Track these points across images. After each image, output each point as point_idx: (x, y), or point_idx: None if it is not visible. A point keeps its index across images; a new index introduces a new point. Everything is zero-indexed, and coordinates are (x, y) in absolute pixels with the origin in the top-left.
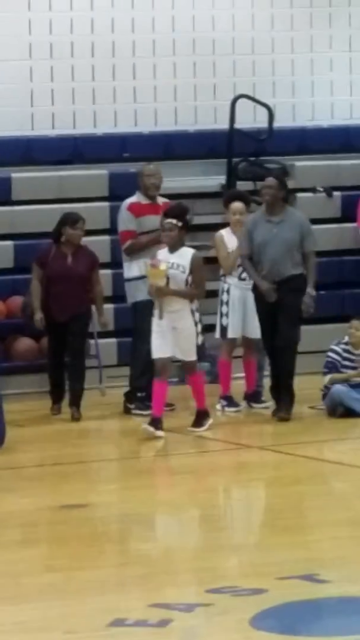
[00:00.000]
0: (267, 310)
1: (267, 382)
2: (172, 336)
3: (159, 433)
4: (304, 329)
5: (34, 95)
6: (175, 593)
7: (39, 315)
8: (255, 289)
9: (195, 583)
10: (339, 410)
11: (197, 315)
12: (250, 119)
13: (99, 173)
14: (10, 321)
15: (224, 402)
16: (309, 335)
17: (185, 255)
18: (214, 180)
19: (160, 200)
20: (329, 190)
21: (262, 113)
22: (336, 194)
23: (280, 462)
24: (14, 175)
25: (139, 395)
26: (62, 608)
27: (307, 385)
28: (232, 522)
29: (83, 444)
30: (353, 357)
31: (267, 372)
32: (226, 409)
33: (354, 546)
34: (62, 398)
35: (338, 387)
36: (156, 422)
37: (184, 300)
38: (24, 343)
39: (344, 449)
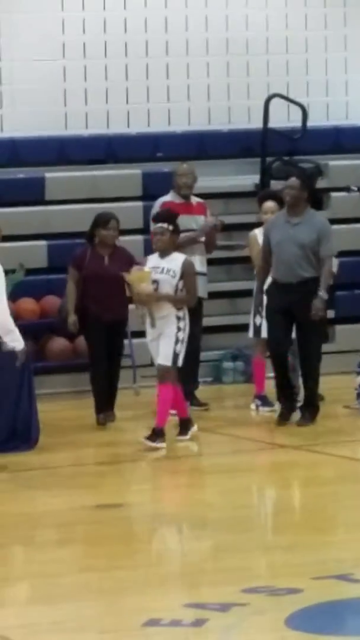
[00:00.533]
0: (279, 312)
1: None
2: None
3: (160, 444)
4: (338, 328)
5: (67, 94)
6: (211, 593)
7: (72, 318)
8: (269, 289)
9: (231, 583)
10: None
11: (182, 322)
12: (284, 118)
13: (132, 173)
14: (44, 321)
15: (259, 402)
16: (343, 334)
17: (176, 260)
18: (248, 179)
19: (194, 200)
20: None
21: (296, 112)
22: None
23: (314, 462)
24: (47, 175)
25: None
26: (97, 608)
27: (341, 384)
28: (267, 522)
29: (117, 443)
30: None
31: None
32: (260, 408)
33: None
34: (108, 406)
35: None
36: (158, 434)
37: (171, 306)
38: (58, 343)
39: None
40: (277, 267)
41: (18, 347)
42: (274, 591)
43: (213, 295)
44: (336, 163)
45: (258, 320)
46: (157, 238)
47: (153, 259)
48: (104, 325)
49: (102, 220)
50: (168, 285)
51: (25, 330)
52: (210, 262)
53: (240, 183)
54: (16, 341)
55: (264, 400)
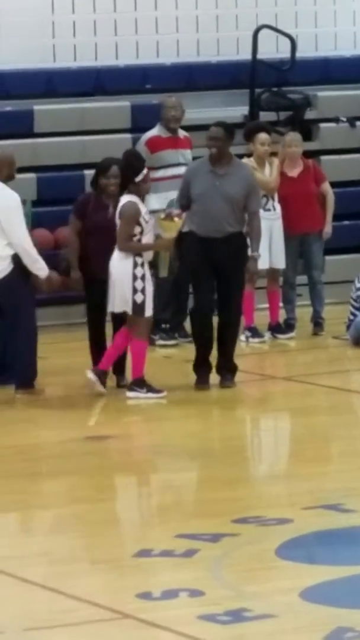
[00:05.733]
0: (205, 272)
1: (299, 312)
2: None
3: (101, 389)
4: (329, 259)
5: (56, 27)
6: (201, 524)
7: (76, 274)
8: (187, 242)
9: (221, 514)
10: None
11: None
12: (272, 49)
13: (121, 105)
14: None
15: (248, 333)
16: (333, 265)
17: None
18: (237, 111)
19: (181, 133)
20: (352, 120)
21: (285, 43)
22: (359, 123)
23: (305, 393)
24: (36, 107)
25: (163, 326)
26: (88, 539)
27: (331, 315)
28: (258, 452)
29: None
30: None
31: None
32: (250, 339)
33: None
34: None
35: None
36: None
37: None
38: (48, 275)
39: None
40: (201, 220)
41: (42, 274)
42: (265, 522)
43: None
44: (325, 94)
45: (249, 251)
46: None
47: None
48: (104, 281)
49: (102, 167)
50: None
51: None
52: None
53: (229, 115)
54: (41, 270)
55: (254, 332)
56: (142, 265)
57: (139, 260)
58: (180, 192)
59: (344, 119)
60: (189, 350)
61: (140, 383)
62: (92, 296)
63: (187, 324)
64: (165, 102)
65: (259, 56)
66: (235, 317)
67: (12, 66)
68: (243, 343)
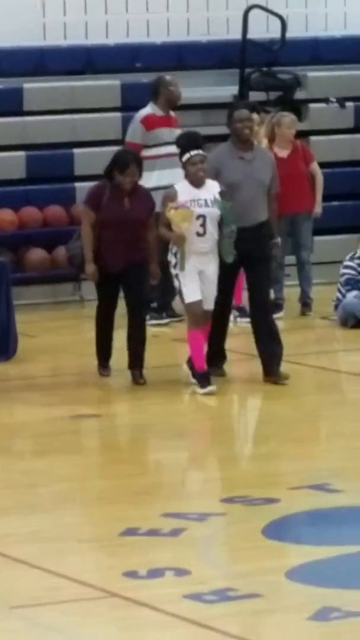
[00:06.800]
0: (233, 267)
1: (287, 292)
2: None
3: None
4: (317, 240)
5: (46, 5)
6: (188, 503)
7: (91, 267)
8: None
9: (208, 493)
10: (351, 322)
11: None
12: (263, 29)
13: (111, 83)
14: (22, 232)
15: (236, 313)
16: (322, 246)
17: (212, 187)
18: (227, 90)
19: (171, 113)
20: (341, 101)
21: (275, 23)
22: (349, 104)
23: (292, 373)
24: (25, 85)
25: (152, 305)
26: (75, 517)
27: (319, 295)
28: (245, 432)
29: (94, 354)
30: None
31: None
32: (238, 319)
33: None
34: (110, 356)
35: (350, 299)
36: (205, 377)
37: (215, 242)
38: (36, 254)
39: (356, 360)
40: None
41: None
42: (251, 501)
43: None
44: (315, 74)
45: None
46: (197, 167)
47: (186, 190)
48: (115, 275)
49: (120, 165)
50: (215, 218)
51: (4, 241)
52: None
53: (219, 94)
54: None
55: (242, 311)
56: (176, 254)
57: (172, 248)
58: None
59: (334, 100)
60: (179, 329)
61: (193, 372)
62: (104, 291)
63: (175, 304)
64: (169, 81)
65: (249, 36)
66: (269, 308)
67: (2, 44)
68: (230, 323)
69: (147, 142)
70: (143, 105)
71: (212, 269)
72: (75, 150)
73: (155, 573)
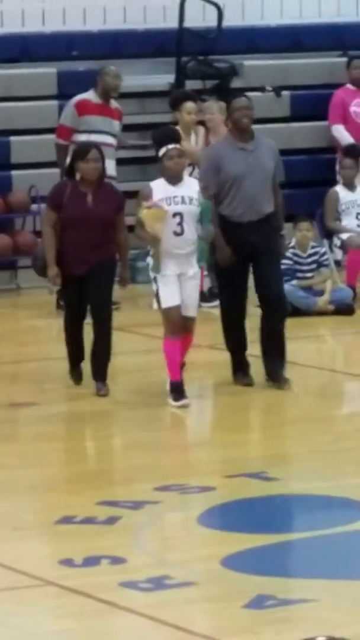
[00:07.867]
0: (240, 263)
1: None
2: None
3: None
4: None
5: None
6: (124, 491)
7: (53, 271)
8: (229, 229)
9: (143, 481)
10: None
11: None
12: (199, 17)
13: (47, 71)
14: None
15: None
16: None
17: (191, 185)
18: (163, 79)
19: (114, 104)
20: (277, 90)
21: (212, 12)
22: (285, 93)
23: (229, 361)
24: None
25: None
26: (10, 505)
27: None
28: (181, 420)
29: (31, 342)
30: (302, 261)
31: None
32: (202, 304)
33: (302, 444)
34: (82, 359)
35: (285, 287)
36: (179, 389)
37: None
38: None
39: (292, 348)
40: (237, 203)
41: None
42: (186, 489)
43: (126, 195)
44: (251, 63)
45: None
46: (174, 162)
47: (161, 188)
48: (80, 278)
49: (80, 152)
50: (194, 217)
51: None
52: (123, 163)
53: (155, 82)
54: None
55: (202, 297)
56: (153, 255)
57: (150, 249)
58: (208, 180)
59: (270, 88)
60: (115, 318)
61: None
62: (68, 296)
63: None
64: (108, 71)
65: (186, 24)
66: (281, 298)
67: None
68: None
69: (78, 126)
70: (79, 93)
71: (192, 272)
72: (12, 138)
73: (91, 561)
